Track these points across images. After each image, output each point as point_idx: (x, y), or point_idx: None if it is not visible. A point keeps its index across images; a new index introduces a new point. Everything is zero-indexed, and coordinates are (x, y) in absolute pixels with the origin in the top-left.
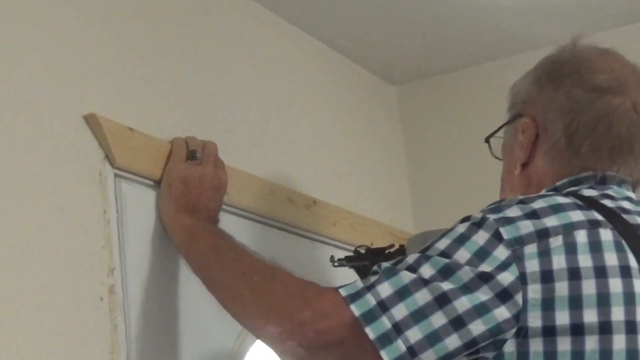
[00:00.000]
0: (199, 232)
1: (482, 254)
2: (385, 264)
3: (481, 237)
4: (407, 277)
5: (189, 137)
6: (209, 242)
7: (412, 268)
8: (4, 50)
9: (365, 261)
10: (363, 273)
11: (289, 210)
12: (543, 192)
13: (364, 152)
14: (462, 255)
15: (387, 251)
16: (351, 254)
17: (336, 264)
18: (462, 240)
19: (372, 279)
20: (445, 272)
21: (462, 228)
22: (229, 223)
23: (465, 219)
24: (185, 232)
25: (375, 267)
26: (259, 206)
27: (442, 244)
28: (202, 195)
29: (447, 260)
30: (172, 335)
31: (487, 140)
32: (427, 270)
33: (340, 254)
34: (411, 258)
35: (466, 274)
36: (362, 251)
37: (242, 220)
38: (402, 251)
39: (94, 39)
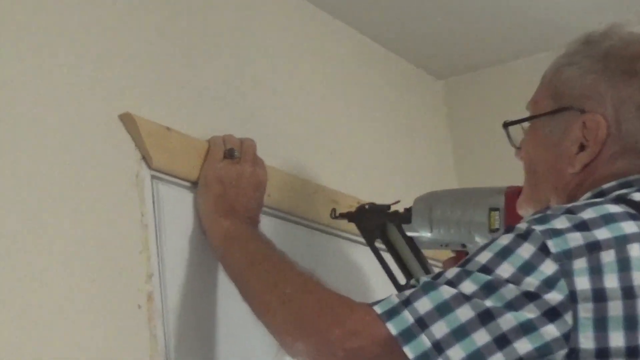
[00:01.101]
0: (236, 236)
1: (527, 269)
2: (423, 278)
3: (526, 250)
4: (447, 292)
5: (227, 136)
6: (245, 248)
7: (452, 283)
8: (37, 47)
9: (368, 217)
10: (366, 230)
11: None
12: (587, 195)
13: (409, 150)
14: (506, 269)
15: (391, 209)
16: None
17: (335, 216)
18: (505, 253)
19: (408, 293)
20: (488, 290)
21: (505, 240)
22: (269, 225)
23: (509, 230)
24: (222, 235)
25: (412, 281)
26: (301, 207)
27: (484, 258)
28: (241, 195)
29: (489, 277)
30: (212, 346)
31: (506, 126)
32: (468, 287)
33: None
34: (450, 272)
35: (510, 291)
36: (367, 207)
37: (283, 223)
38: (407, 209)
39: (130, 36)
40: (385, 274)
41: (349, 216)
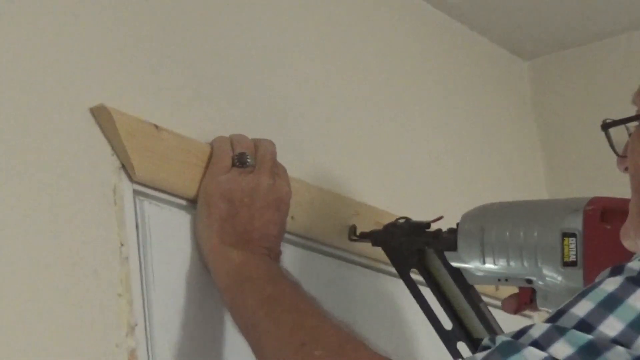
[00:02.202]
0: (250, 274)
1: None
2: (501, 337)
3: None
4: (533, 356)
5: (236, 136)
6: (261, 292)
7: (540, 344)
8: None
9: (399, 239)
10: (397, 257)
11: None
12: None
13: (485, 148)
14: (613, 326)
15: (431, 227)
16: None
17: (355, 237)
18: (611, 303)
19: (480, 357)
20: (589, 354)
21: (611, 286)
22: (293, 258)
23: (615, 271)
24: (231, 273)
25: (485, 340)
26: (336, 234)
27: (582, 309)
28: (256, 217)
29: (589, 337)
30: None
31: (606, 128)
32: (562, 350)
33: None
34: (538, 329)
35: (619, 355)
36: (397, 225)
37: (312, 255)
38: (451, 231)
39: (107, 6)
40: (425, 315)
41: (373, 237)
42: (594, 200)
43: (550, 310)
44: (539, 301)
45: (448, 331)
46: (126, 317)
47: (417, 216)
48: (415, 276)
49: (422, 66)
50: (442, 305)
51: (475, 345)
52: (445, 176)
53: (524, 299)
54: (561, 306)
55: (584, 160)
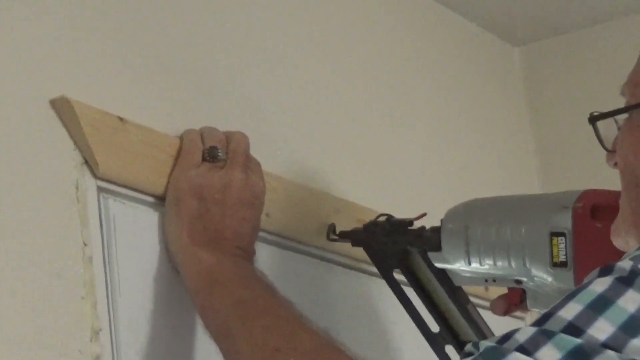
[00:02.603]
0: (221, 276)
1: (633, 327)
2: (485, 343)
3: (632, 301)
4: None
5: (207, 129)
6: (233, 295)
7: (526, 350)
8: None
9: (380, 239)
10: (378, 257)
11: None
12: None
13: (475, 139)
14: (603, 329)
15: (410, 227)
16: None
17: (334, 237)
18: (601, 305)
19: None
20: (578, 358)
21: (600, 286)
22: (269, 259)
23: (605, 271)
24: (202, 275)
25: (468, 347)
26: (315, 233)
27: (570, 312)
28: (228, 215)
29: (578, 341)
30: None
31: (593, 121)
32: (548, 355)
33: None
34: (524, 334)
35: None
36: (377, 223)
37: (289, 255)
38: (435, 229)
39: None
40: (410, 317)
41: (353, 237)
42: (584, 196)
43: (541, 312)
44: (529, 302)
45: (435, 334)
46: (90, 322)
47: (403, 213)
48: (399, 276)
49: (408, 53)
50: (427, 307)
51: (463, 348)
52: (432, 169)
53: (514, 299)
54: (548, 309)
55: (578, 150)
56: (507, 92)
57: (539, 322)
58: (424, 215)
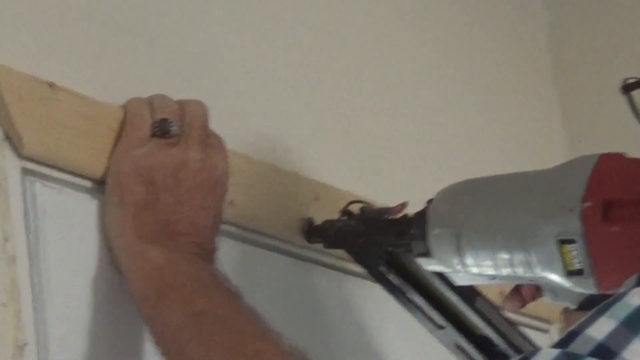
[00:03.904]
0: (174, 281)
1: None
2: None
3: None
4: None
5: (156, 97)
6: (188, 305)
7: None
8: None
9: (355, 239)
10: (356, 256)
11: None
12: None
13: (499, 97)
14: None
15: (387, 217)
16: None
17: (317, 239)
18: (638, 322)
19: None
20: None
21: (638, 298)
22: (232, 256)
23: None
24: (150, 279)
25: None
26: (288, 225)
27: (600, 330)
28: (183, 202)
29: None
30: None
31: (628, 91)
32: None
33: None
34: (543, 357)
35: None
36: (354, 213)
37: (257, 251)
38: (420, 219)
39: None
40: (412, 315)
41: (324, 238)
42: (593, 187)
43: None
44: (547, 297)
45: (444, 330)
46: (12, 334)
47: (399, 199)
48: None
49: (407, 3)
50: (430, 305)
51: (479, 342)
52: (432, 146)
53: (530, 293)
54: (574, 325)
55: (608, 123)
56: (532, 57)
57: (563, 343)
58: (404, 205)
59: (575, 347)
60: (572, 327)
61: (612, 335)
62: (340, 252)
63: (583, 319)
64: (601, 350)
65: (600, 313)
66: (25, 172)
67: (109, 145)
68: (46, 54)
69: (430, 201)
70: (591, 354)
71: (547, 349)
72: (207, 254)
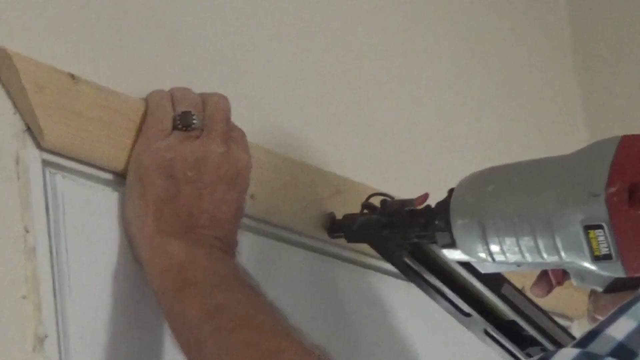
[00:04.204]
0: (194, 275)
1: None
2: None
3: None
4: None
5: (178, 90)
6: (208, 300)
7: None
8: None
9: (375, 234)
10: (379, 248)
11: None
12: None
13: (519, 86)
14: None
15: (410, 209)
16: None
17: (339, 234)
18: None
19: None
20: None
21: None
22: (253, 250)
23: None
24: (170, 273)
25: None
26: (310, 220)
27: (620, 330)
28: (204, 196)
29: None
30: None
31: None
32: None
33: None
34: (562, 357)
35: None
36: (375, 206)
37: (278, 246)
38: (443, 210)
39: None
40: (438, 304)
41: (346, 233)
42: (617, 171)
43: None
44: (575, 282)
45: (472, 317)
46: (33, 327)
47: (421, 191)
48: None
49: None
50: (455, 294)
51: (507, 328)
52: (452, 136)
53: (558, 278)
54: (595, 325)
55: (623, 80)
56: (551, 45)
57: (582, 343)
58: (426, 196)
59: (595, 347)
60: (592, 327)
61: (632, 335)
62: (361, 246)
63: (604, 318)
64: (621, 350)
65: (621, 312)
66: (46, 163)
67: (130, 138)
68: (68, 45)
69: (451, 190)
70: (611, 354)
71: (567, 348)
72: (228, 247)
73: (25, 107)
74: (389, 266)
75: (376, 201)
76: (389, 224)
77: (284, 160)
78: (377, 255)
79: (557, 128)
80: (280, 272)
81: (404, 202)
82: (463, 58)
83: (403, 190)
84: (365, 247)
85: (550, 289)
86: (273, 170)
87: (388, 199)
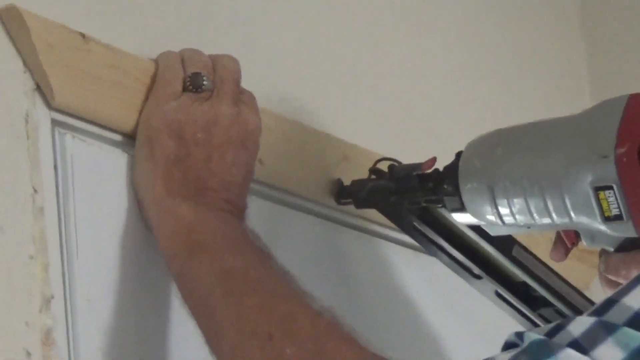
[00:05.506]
0: (205, 238)
1: None
2: (531, 335)
3: None
4: None
5: (188, 51)
6: (219, 264)
7: (580, 346)
8: None
9: (383, 199)
10: (388, 213)
11: None
12: None
13: (526, 53)
14: None
15: (418, 173)
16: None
17: (347, 200)
18: None
19: (505, 359)
20: None
21: None
22: (262, 215)
23: None
24: (180, 235)
25: (510, 336)
26: (318, 185)
27: (637, 299)
28: (214, 158)
29: None
30: None
31: None
32: (608, 353)
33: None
34: (579, 325)
35: None
36: (383, 172)
37: (286, 211)
38: (452, 174)
39: None
40: (447, 265)
41: (354, 199)
42: (626, 131)
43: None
44: (586, 242)
45: (482, 280)
46: (40, 287)
47: (428, 155)
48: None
49: None
50: (464, 257)
51: (518, 289)
52: (462, 100)
53: (571, 239)
54: (611, 294)
55: (634, 68)
56: (561, 14)
57: (599, 311)
58: (434, 160)
59: (612, 315)
60: (610, 295)
61: None
62: (368, 213)
63: (620, 287)
64: (637, 319)
65: (637, 282)
66: (56, 123)
67: (140, 99)
68: (78, 4)
69: (459, 154)
70: (627, 324)
71: (583, 317)
72: (237, 211)
73: (35, 66)
74: (395, 234)
75: (384, 166)
76: (397, 189)
77: (292, 126)
78: (384, 222)
79: (562, 88)
80: (287, 238)
81: (412, 167)
82: (468, 21)
83: (411, 155)
84: (372, 213)
85: (567, 251)
86: (281, 135)
87: (396, 164)
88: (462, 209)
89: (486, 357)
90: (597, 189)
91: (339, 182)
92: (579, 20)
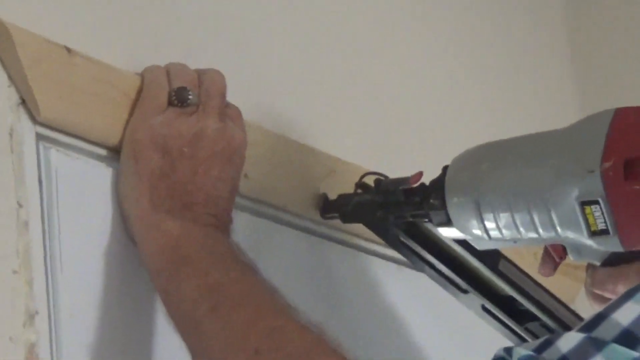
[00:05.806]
0: (190, 253)
1: None
2: (520, 351)
3: None
4: None
5: (174, 65)
6: (205, 279)
7: None
8: None
9: (369, 214)
10: (375, 228)
11: None
12: None
13: (514, 63)
14: None
15: (404, 187)
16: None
17: (332, 214)
18: None
19: None
20: None
21: None
22: (247, 230)
23: None
24: (165, 250)
25: (499, 351)
26: (304, 199)
27: (626, 315)
28: (199, 172)
29: (635, 355)
30: None
31: None
32: None
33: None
34: (568, 341)
35: None
36: (369, 186)
37: (272, 226)
38: (438, 188)
39: None
40: (434, 280)
41: (340, 213)
42: (612, 145)
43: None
44: (572, 257)
45: (469, 294)
46: (24, 302)
47: (414, 169)
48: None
49: None
50: (451, 272)
51: (504, 303)
52: (448, 115)
53: (559, 254)
54: (601, 309)
55: (621, 81)
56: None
57: (588, 327)
58: (420, 175)
59: (601, 331)
60: (598, 311)
61: (637, 321)
62: (353, 228)
63: (610, 303)
64: (627, 336)
65: (627, 297)
66: (40, 137)
67: (126, 113)
68: (64, 17)
69: (446, 168)
70: (616, 340)
71: (572, 332)
72: (223, 225)
73: (20, 80)
74: (380, 248)
75: (370, 181)
76: (383, 204)
77: (278, 140)
78: (369, 237)
79: (550, 102)
80: (272, 252)
81: (399, 181)
82: (456, 37)
83: (397, 169)
84: (358, 227)
85: (555, 265)
86: (267, 149)
87: (382, 178)
88: (448, 223)
89: None
90: (584, 204)
91: (324, 197)
92: (565, 33)
